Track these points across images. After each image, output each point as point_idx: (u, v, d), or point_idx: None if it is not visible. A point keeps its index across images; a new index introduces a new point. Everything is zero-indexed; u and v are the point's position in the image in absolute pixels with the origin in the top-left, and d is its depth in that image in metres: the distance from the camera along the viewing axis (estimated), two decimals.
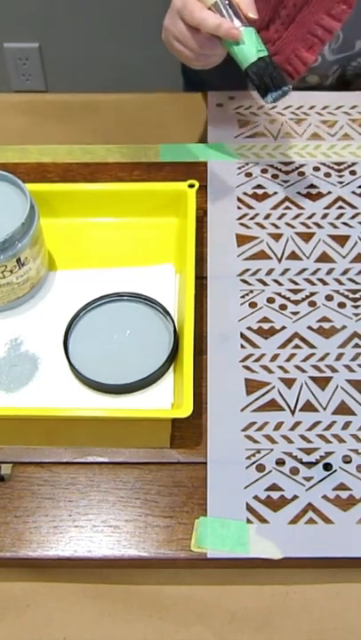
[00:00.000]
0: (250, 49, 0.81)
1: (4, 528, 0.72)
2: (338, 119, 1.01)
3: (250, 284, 0.86)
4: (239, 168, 0.96)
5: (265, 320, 0.84)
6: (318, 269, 0.87)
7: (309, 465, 0.74)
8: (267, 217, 0.92)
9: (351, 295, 0.85)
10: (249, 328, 0.83)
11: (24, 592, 0.71)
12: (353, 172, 0.95)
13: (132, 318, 0.84)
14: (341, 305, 0.84)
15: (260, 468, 0.74)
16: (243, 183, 0.95)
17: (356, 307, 0.84)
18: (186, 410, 0.74)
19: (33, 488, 0.74)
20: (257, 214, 0.92)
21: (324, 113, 1.01)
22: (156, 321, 0.83)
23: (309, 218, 0.91)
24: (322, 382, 0.79)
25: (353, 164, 0.96)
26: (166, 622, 0.69)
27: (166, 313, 0.83)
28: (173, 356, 0.80)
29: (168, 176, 0.96)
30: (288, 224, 0.91)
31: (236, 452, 0.75)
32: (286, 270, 0.87)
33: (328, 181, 0.95)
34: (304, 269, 0.87)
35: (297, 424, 0.76)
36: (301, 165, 0.96)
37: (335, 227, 0.91)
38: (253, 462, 0.74)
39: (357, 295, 0.85)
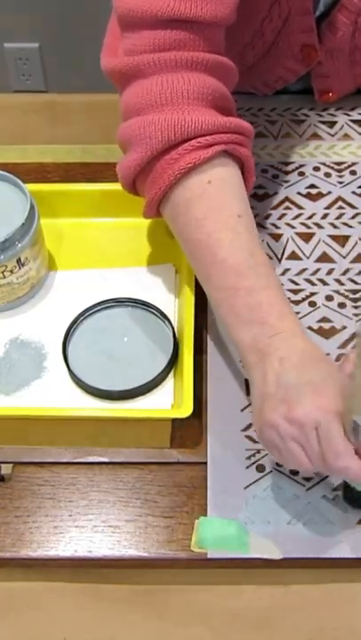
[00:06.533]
0: None
1: (5, 528, 0.72)
2: (338, 119, 1.01)
3: None
4: None
5: None
6: (318, 269, 0.87)
7: None
8: (267, 217, 0.92)
9: (351, 295, 0.85)
10: None
11: (24, 592, 0.71)
12: (353, 172, 0.95)
13: (130, 324, 0.83)
14: (342, 305, 0.84)
15: (260, 468, 0.74)
16: None
17: (357, 307, 0.84)
18: (186, 410, 0.74)
19: (33, 488, 0.74)
20: (257, 214, 0.92)
21: (325, 114, 1.01)
22: (154, 326, 0.83)
23: (309, 218, 0.91)
24: None
25: (353, 163, 0.96)
26: (166, 622, 0.69)
27: (165, 317, 0.82)
28: (173, 361, 0.80)
29: None
30: (288, 224, 0.91)
31: (236, 451, 0.75)
32: (286, 270, 0.87)
33: (328, 181, 0.95)
34: (304, 269, 0.87)
35: None
36: (301, 165, 0.96)
37: (335, 227, 0.91)
38: (253, 462, 0.74)
39: (358, 295, 0.85)
